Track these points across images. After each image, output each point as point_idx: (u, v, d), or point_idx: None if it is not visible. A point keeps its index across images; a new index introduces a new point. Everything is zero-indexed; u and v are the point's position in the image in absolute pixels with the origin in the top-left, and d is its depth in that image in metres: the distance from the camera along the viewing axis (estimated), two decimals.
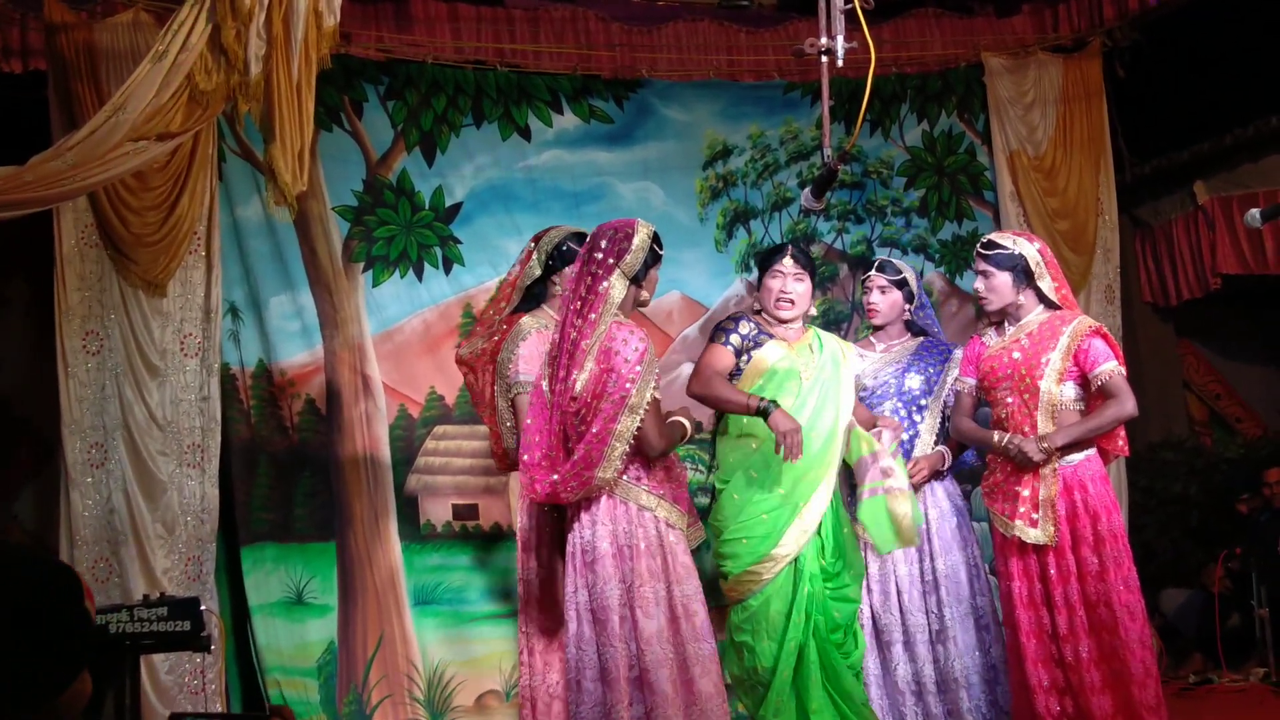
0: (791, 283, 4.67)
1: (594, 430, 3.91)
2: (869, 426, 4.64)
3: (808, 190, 4.58)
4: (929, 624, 4.87)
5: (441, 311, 6.13)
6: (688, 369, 6.45)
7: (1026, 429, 4.60)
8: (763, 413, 4.29)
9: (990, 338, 4.82)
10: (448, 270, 6.17)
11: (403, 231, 6.12)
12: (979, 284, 4.75)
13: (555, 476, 3.95)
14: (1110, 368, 4.57)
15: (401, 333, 6.08)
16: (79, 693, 1.59)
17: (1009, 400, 4.65)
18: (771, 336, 4.62)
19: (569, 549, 4.04)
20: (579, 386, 3.96)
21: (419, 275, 6.12)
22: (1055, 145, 7.05)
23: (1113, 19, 6.98)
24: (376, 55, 6.12)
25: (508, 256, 5.83)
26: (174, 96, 4.18)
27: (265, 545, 5.74)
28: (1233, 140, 6.93)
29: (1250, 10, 6.28)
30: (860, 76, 4.09)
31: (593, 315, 3.98)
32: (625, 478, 3.98)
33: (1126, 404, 4.57)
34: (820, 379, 4.57)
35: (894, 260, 5.26)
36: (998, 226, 6.92)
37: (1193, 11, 6.67)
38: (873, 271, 5.14)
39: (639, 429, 3.91)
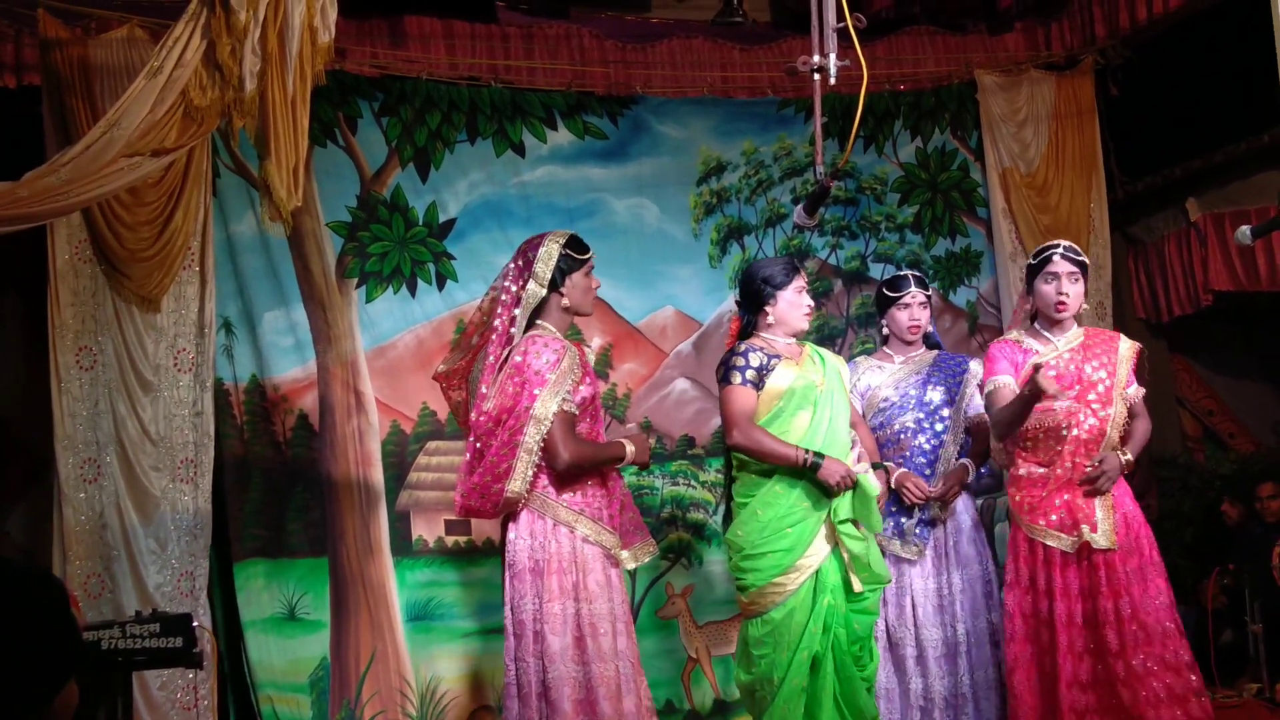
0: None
1: (500, 440, 3.88)
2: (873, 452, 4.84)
3: (801, 206, 4.56)
4: (944, 639, 4.86)
5: (435, 327, 6.12)
6: (681, 385, 6.49)
7: (1085, 438, 4.60)
8: (813, 468, 4.29)
9: (1029, 343, 4.76)
10: (441, 286, 6.17)
11: (396, 247, 6.12)
12: (1066, 286, 4.65)
13: (464, 490, 3.94)
14: (1139, 388, 4.73)
15: (394, 349, 6.07)
16: (66, 704, 1.58)
17: (1075, 410, 4.62)
18: (779, 358, 4.52)
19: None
20: (490, 399, 3.96)
21: (412, 291, 6.12)
22: (1047, 162, 7.07)
23: (1105, 37, 7.03)
24: (371, 71, 6.13)
25: None
26: (169, 112, 4.18)
27: (258, 561, 5.72)
28: (1224, 157, 6.93)
29: (1242, 28, 6.29)
30: (853, 93, 4.12)
31: (498, 323, 4.04)
32: (542, 492, 3.93)
33: (1149, 422, 4.78)
34: (829, 388, 4.53)
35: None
36: (990, 243, 6.99)
37: (1184, 29, 6.70)
38: (914, 288, 5.10)
39: (545, 440, 3.88)
